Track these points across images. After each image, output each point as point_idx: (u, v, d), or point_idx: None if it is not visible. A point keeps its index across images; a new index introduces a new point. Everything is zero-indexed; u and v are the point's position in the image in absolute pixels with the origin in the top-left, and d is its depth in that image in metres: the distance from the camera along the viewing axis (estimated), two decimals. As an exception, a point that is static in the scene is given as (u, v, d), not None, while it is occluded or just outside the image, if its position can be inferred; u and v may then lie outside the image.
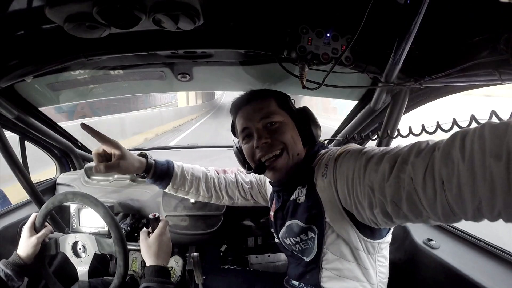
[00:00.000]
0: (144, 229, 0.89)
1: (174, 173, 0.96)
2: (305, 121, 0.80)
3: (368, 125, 1.12)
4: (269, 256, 1.38)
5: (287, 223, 0.78)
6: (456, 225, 1.02)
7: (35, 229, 0.92)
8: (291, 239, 0.77)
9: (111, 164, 0.78)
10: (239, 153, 0.89)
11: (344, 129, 1.23)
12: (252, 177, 1.07)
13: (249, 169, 0.86)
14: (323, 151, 0.78)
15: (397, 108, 0.90)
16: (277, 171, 0.76)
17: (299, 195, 0.76)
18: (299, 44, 0.64)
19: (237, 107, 0.83)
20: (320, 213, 0.69)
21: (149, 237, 0.85)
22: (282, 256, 1.39)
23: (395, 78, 0.70)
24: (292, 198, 0.78)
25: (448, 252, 0.91)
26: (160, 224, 0.87)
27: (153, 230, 0.87)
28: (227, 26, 0.70)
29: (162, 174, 0.93)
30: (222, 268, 1.20)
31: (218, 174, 1.06)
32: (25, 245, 0.88)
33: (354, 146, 0.68)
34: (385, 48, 0.69)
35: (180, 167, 0.98)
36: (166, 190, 0.99)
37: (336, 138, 1.24)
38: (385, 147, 0.57)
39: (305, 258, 0.77)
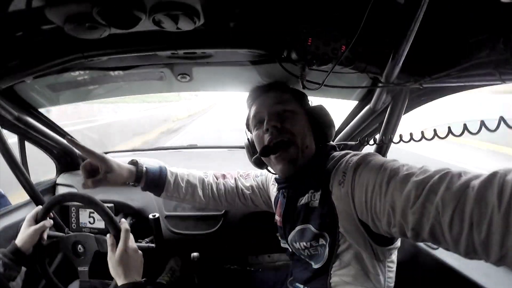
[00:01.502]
0: (109, 237, 0.81)
1: (167, 181, 0.93)
2: (319, 118, 0.78)
3: (368, 126, 1.12)
4: (269, 256, 1.38)
5: (298, 227, 0.75)
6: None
7: (36, 221, 0.91)
8: (301, 243, 0.74)
9: (99, 178, 0.79)
10: (250, 146, 0.88)
11: (344, 130, 1.23)
12: (253, 181, 1.03)
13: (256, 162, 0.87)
14: (336, 154, 0.75)
15: (397, 108, 0.90)
16: (288, 163, 0.74)
17: (312, 199, 0.73)
18: (299, 44, 0.64)
19: (254, 97, 0.84)
20: (334, 222, 0.66)
21: (114, 253, 0.78)
22: (282, 256, 1.38)
23: (395, 78, 0.70)
24: (303, 201, 0.75)
25: (448, 252, 0.91)
26: (122, 236, 0.80)
27: (117, 244, 0.80)
28: (227, 26, 0.70)
29: (154, 182, 0.91)
30: (222, 268, 1.20)
31: (217, 179, 1.02)
32: (24, 235, 0.87)
33: (375, 156, 0.65)
34: (385, 48, 0.69)
35: (174, 174, 0.95)
36: (161, 197, 0.97)
37: (348, 142, 1.22)
38: (409, 165, 0.54)
39: (312, 263, 0.75)
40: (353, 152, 0.72)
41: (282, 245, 0.86)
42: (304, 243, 0.73)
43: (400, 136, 0.72)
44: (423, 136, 0.66)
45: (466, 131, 0.55)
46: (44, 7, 0.51)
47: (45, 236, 0.93)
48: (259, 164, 0.88)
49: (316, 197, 0.71)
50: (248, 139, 0.90)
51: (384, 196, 0.53)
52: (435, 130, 0.62)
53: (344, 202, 0.63)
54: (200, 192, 0.98)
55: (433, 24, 0.59)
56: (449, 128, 0.58)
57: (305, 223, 0.73)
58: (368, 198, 0.57)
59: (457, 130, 0.56)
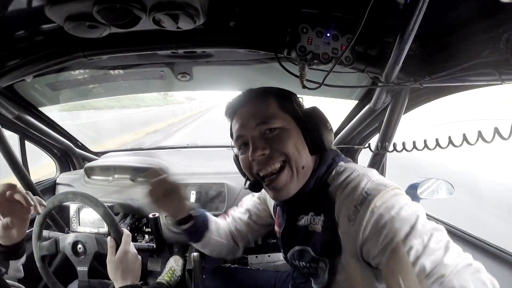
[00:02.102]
0: (109, 240, 0.83)
1: (208, 218, 0.88)
2: (313, 124, 0.67)
3: (368, 125, 1.12)
4: (269, 256, 1.38)
5: (297, 247, 0.71)
6: (456, 225, 1.03)
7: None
8: (300, 262, 0.72)
9: (170, 188, 0.75)
10: (238, 164, 0.77)
11: (344, 129, 1.23)
12: (248, 203, 0.98)
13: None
14: (339, 168, 0.66)
15: (397, 108, 0.90)
16: (280, 190, 0.66)
17: (312, 222, 0.67)
18: (299, 44, 0.64)
19: (233, 110, 0.73)
20: (336, 252, 0.61)
21: (114, 256, 0.80)
22: (282, 256, 1.38)
23: (395, 78, 0.70)
24: (303, 223, 0.69)
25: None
26: (123, 239, 0.82)
27: (117, 248, 0.82)
28: (227, 26, 0.70)
29: (202, 218, 0.85)
30: (222, 267, 1.20)
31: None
32: None
33: (396, 200, 0.56)
34: (385, 48, 0.69)
35: (211, 216, 0.90)
36: (198, 246, 0.90)
37: (355, 147, 1.20)
38: (437, 237, 0.51)
39: (312, 280, 0.73)
40: (360, 173, 0.62)
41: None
42: (304, 263, 0.71)
43: (414, 143, 0.72)
44: (437, 144, 0.66)
45: (480, 139, 0.55)
46: (44, 6, 0.51)
47: (42, 232, 0.91)
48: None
49: (317, 221, 0.66)
50: (235, 155, 0.80)
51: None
52: (449, 138, 0.62)
53: (352, 239, 0.57)
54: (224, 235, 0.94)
55: (433, 24, 0.59)
56: (464, 135, 0.58)
57: (304, 245, 0.69)
58: (383, 260, 0.53)
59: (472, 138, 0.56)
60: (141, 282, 0.80)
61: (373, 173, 0.63)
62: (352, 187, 0.59)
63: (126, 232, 0.84)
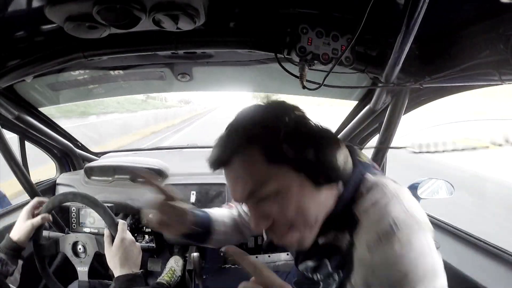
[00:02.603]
0: (105, 230, 0.84)
1: (210, 215, 0.83)
2: (313, 155, 0.51)
3: (368, 126, 1.12)
4: (269, 256, 1.38)
5: (312, 263, 0.67)
6: (456, 224, 1.03)
7: (33, 215, 0.90)
8: (314, 275, 0.68)
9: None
10: None
11: (344, 130, 1.23)
12: None
13: None
14: (370, 185, 0.55)
15: (397, 108, 0.90)
16: (293, 247, 0.61)
17: (334, 239, 0.60)
18: (299, 44, 0.64)
19: (216, 167, 0.59)
20: (350, 270, 0.55)
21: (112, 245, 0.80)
22: (282, 256, 1.38)
23: (395, 79, 0.70)
24: (323, 241, 0.62)
25: (448, 251, 0.91)
26: (119, 228, 0.82)
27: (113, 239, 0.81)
28: (227, 26, 0.70)
29: (203, 219, 0.80)
30: (222, 267, 1.20)
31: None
32: (20, 229, 0.86)
33: (420, 249, 0.50)
34: (385, 48, 0.69)
35: (208, 211, 0.85)
36: (209, 241, 0.84)
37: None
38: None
39: (321, 284, 0.69)
40: (391, 193, 0.53)
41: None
42: (317, 276, 0.67)
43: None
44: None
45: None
46: (44, 7, 0.51)
47: (42, 233, 0.93)
48: None
49: (340, 237, 0.58)
50: None
51: None
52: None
53: (365, 268, 0.51)
54: (234, 229, 0.90)
55: (433, 24, 0.59)
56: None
57: (322, 259, 0.64)
58: None
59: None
60: (141, 270, 0.79)
61: (405, 195, 0.54)
62: (380, 212, 0.51)
63: (121, 221, 0.85)
